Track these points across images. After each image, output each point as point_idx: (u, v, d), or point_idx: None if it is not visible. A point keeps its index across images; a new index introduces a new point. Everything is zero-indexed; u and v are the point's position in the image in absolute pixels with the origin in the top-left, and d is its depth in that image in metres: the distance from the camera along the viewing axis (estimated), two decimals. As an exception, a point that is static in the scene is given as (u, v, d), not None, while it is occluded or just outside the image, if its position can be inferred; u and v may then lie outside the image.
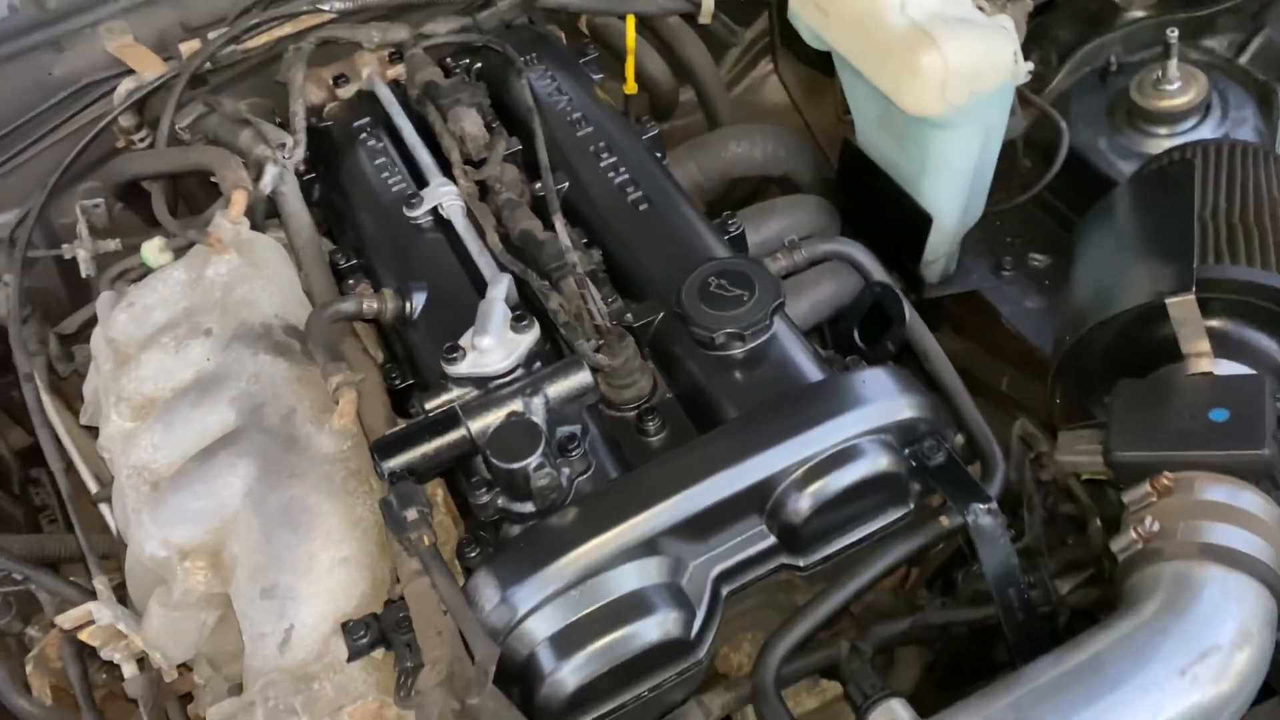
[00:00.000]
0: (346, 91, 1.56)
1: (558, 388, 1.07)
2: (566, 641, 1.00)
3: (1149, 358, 1.21)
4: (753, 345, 1.14)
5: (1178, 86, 1.58)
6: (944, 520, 1.09)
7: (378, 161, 1.44)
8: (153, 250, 1.39)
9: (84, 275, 1.51)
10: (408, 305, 1.25)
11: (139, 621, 1.12)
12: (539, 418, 1.06)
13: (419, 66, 1.52)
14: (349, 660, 1.02)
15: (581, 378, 1.08)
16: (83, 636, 1.09)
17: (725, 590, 1.08)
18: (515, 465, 1.01)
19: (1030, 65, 1.50)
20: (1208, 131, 1.59)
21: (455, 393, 1.09)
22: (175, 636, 1.12)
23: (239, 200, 1.35)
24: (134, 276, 1.41)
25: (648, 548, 1.03)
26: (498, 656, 0.95)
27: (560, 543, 1.02)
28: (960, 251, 1.70)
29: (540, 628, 1.00)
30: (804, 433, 1.06)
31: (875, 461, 1.07)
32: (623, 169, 1.37)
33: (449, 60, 1.58)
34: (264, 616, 1.06)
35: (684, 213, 1.33)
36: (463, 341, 1.09)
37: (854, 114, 1.64)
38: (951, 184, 1.56)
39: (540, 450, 1.02)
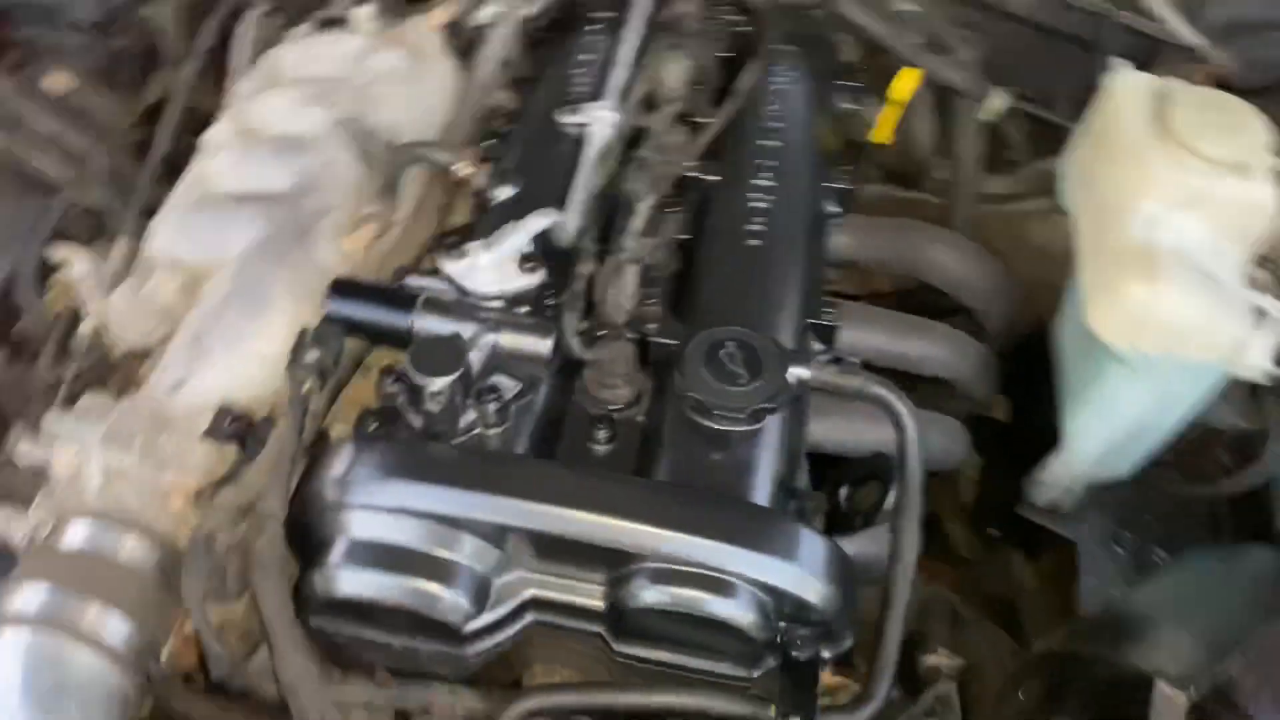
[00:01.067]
0: (619, -20, 1.53)
1: (513, 339, 1.03)
2: (362, 552, 0.98)
3: (1119, 723, 1.02)
4: (721, 429, 1.05)
5: None
6: (769, 712, 0.98)
7: (584, 57, 1.41)
8: (362, 15, 1.44)
9: None
10: (492, 189, 1.23)
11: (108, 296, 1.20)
12: (478, 354, 1.02)
13: (687, -3, 1.46)
14: (202, 435, 1.05)
15: (538, 344, 1.03)
16: (57, 277, 1.18)
17: (530, 617, 1.02)
18: (418, 377, 0.99)
19: (1273, 369, 1.26)
20: None
21: (436, 284, 1.07)
22: (126, 324, 1.19)
23: (442, 13, 1.36)
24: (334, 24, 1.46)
25: (491, 532, 0.99)
26: (279, 521, 0.95)
27: (420, 469, 1.00)
28: (1089, 497, 1.49)
29: (353, 525, 0.99)
30: (698, 536, 0.97)
31: (738, 613, 0.96)
32: (769, 197, 1.28)
33: (725, 9, 1.51)
34: (178, 357, 1.11)
35: (785, 273, 1.22)
36: (469, 245, 1.06)
37: (1066, 297, 1.45)
38: (1100, 424, 1.35)
39: (450, 379, 0.99)
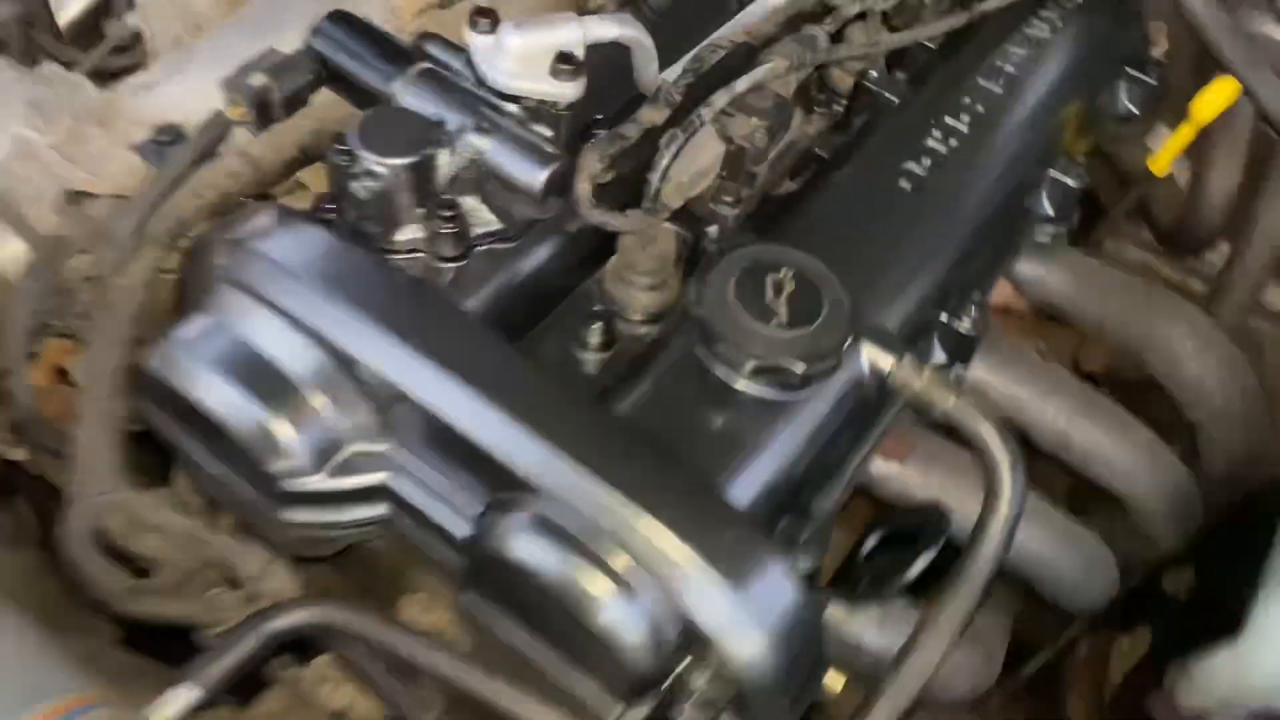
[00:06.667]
0: None
1: (500, 153, 0.75)
2: (216, 342, 0.73)
3: None
4: (725, 380, 0.72)
5: None
6: None
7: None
8: None
9: None
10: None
11: None
12: (452, 159, 0.75)
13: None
14: (130, 144, 0.84)
15: (529, 171, 0.74)
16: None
17: (381, 510, 0.74)
18: (359, 147, 0.73)
19: None
20: None
21: (450, 57, 0.80)
22: (158, 18, 1.01)
23: None
24: None
25: (374, 385, 0.72)
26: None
27: (322, 268, 0.73)
28: (1252, 726, 1.05)
29: (225, 306, 0.74)
30: (620, 493, 0.66)
31: (623, 621, 0.64)
32: (954, 143, 0.92)
33: None
34: (164, 63, 0.92)
35: (927, 238, 0.87)
36: (506, 21, 0.78)
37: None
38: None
39: (395, 163, 0.72)
